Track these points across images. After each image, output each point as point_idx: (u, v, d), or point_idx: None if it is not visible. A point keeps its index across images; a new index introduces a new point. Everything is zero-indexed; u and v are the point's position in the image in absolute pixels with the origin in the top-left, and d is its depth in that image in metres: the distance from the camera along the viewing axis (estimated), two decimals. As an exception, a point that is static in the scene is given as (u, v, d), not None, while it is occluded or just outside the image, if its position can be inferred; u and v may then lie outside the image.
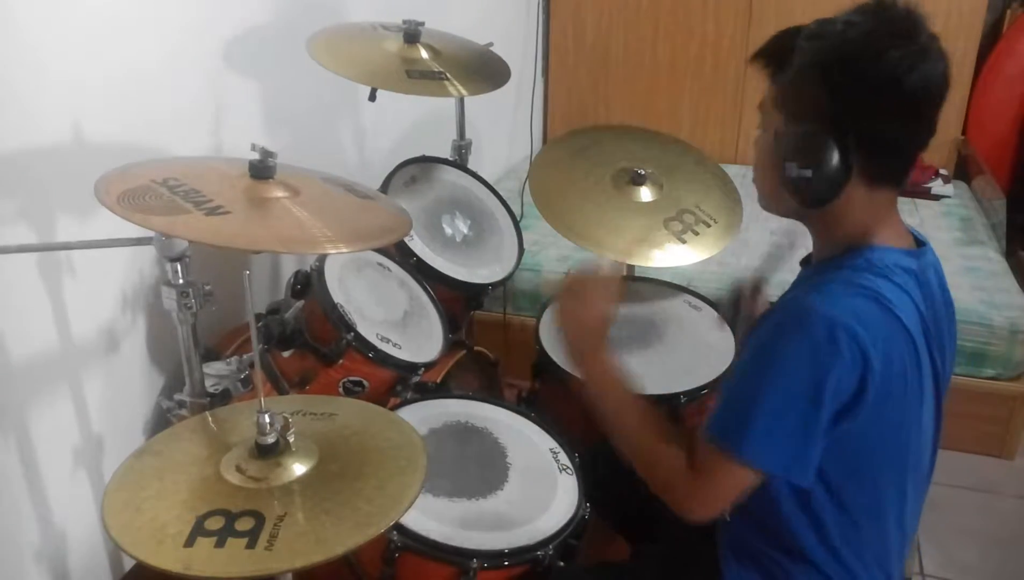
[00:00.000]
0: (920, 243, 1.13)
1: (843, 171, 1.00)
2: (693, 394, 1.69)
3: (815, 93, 0.99)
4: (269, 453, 1.03)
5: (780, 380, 0.98)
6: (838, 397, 0.97)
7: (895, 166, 1.04)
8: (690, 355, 1.79)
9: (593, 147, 2.02)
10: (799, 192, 1.03)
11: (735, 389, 1.04)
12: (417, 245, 1.85)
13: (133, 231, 1.09)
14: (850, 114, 0.98)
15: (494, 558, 1.27)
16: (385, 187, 1.89)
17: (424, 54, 1.79)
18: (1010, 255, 2.82)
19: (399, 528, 1.26)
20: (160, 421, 1.69)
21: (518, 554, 1.29)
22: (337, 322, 1.52)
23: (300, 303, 1.63)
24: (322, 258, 1.59)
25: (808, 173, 1.00)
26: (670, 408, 1.67)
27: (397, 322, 1.69)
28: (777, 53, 1.05)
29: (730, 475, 1.02)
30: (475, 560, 1.25)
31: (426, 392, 1.64)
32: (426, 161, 2.01)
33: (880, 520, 1.10)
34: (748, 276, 1.48)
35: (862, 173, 1.01)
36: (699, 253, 1.88)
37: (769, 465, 1.00)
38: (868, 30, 0.97)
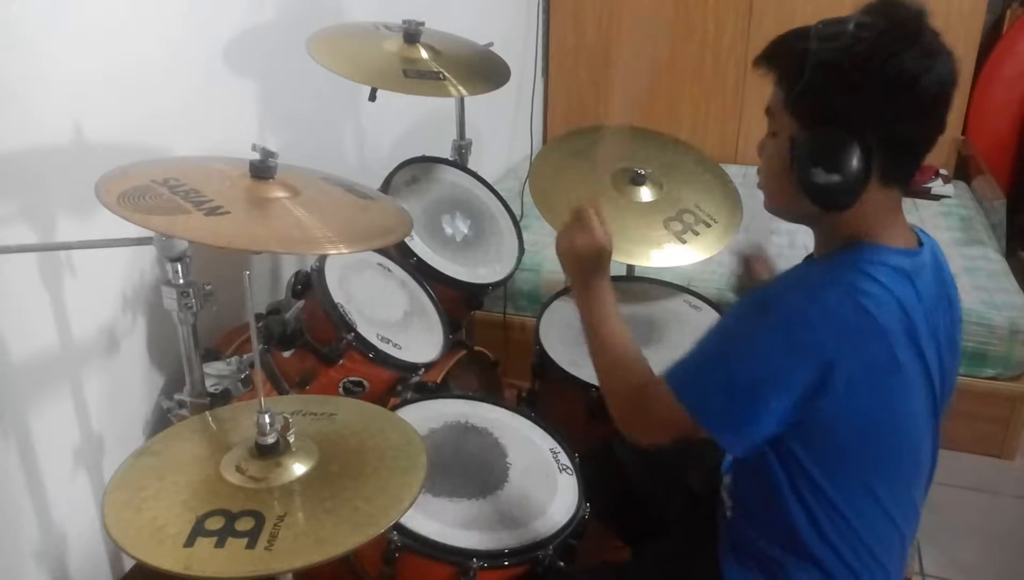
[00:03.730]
0: (921, 243, 1.12)
1: (866, 174, 1.00)
2: (693, 394, 1.68)
3: (833, 96, 0.99)
4: (269, 453, 1.03)
5: (741, 351, 1.03)
6: (794, 383, 0.99)
7: (909, 165, 1.05)
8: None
9: (593, 147, 2.02)
10: (823, 197, 1.03)
11: (703, 344, 1.09)
12: (417, 245, 1.85)
13: (133, 231, 1.09)
14: (871, 116, 0.98)
15: (494, 558, 1.27)
16: (385, 187, 1.89)
17: (424, 54, 1.79)
18: (1010, 255, 2.82)
19: (399, 528, 1.26)
20: (160, 421, 1.69)
21: (518, 554, 1.29)
22: (337, 322, 1.52)
23: (300, 303, 1.63)
24: (322, 258, 1.59)
25: (835, 178, 1.00)
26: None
27: (397, 322, 1.69)
28: (782, 56, 1.05)
29: (670, 410, 1.06)
30: (475, 560, 1.25)
31: (426, 392, 1.64)
32: (426, 161, 2.01)
33: (875, 518, 1.10)
34: (748, 249, 1.53)
35: (879, 174, 1.02)
36: (699, 253, 1.88)
37: (704, 417, 1.05)
38: (882, 30, 0.97)
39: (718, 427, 1.05)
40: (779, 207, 1.13)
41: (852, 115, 0.99)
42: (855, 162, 0.99)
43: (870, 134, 0.99)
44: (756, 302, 1.06)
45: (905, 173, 1.05)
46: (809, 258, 1.18)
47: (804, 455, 1.05)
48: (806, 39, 1.01)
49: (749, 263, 1.51)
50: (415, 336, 1.70)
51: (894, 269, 1.03)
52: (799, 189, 1.04)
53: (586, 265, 1.23)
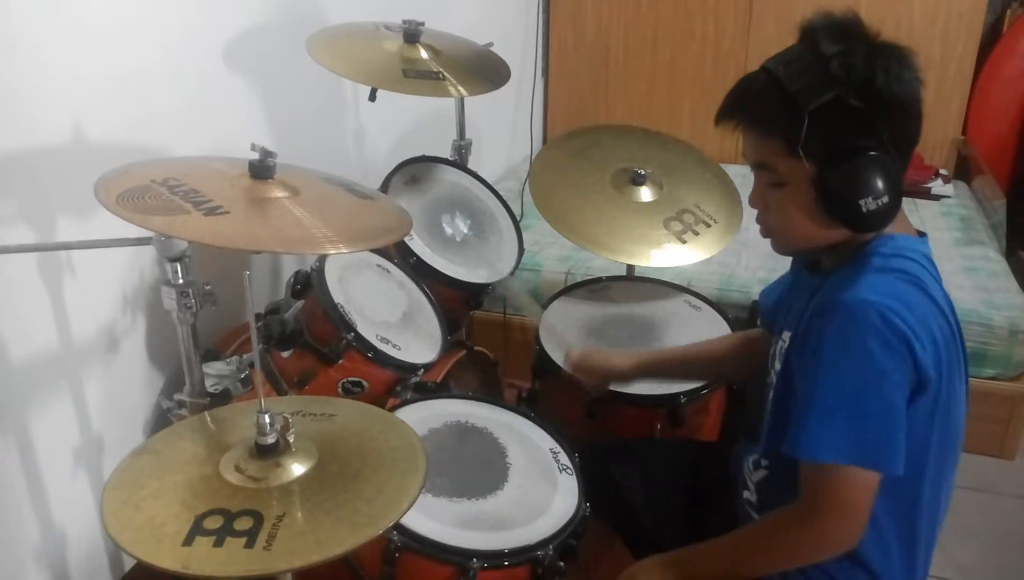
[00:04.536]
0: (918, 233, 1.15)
1: (900, 177, 1.03)
2: (693, 394, 1.69)
3: (844, 128, 1.00)
4: (268, 453, 1.03)
5: (850, 380, 0.98)
6: (905, 380, 0.99)
7: (909, 160, 1.07)
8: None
9: (593, 147, 2.02)
10: (875, 222, 1.03)
11: (808, 403, 1.01)
12: (417, 245, 1.85)
13: (133, 231, 1.09)
14: (882, 131, 1.00)
15: (494, 558, 1.27)
16: (385, 187, 1.89)
17: (424, 54, 1.79)
18: (1010, 255, 2.81)
19: (399, 528, 1.26)
20: (160, 421, 1.69)
21: (518, 554, 1.28)
22: (337, 322, 1.52)
23: (300, 303, 1.63)
24: (322, 258, 1.59)
25: (885, 200, 1.01)
26: (670, 408, 1.67)
27: (397, 322, 1.69)
28: (758, 108, 1.06)
29: (845, 484, 1.00)
30: (475, 560, 1.25)
31: (426, 392, 1.63)
32: (426, 161, 2.01)
33: (928, 507, 1.11)
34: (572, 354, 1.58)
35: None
36: (699, 253, 1.88)
37: (861, 460, 0.99)
38: (851, 48, 1.00)
39: (885, 459, 1.00)
40: (806, 248, 1.13)
41: (867, 137, 1.00)
42: (892, 178, 1.01)
43: (887, 146, 1.01)
44: (828, 328, 1.01)
45: (906, 167, 1.08)
46: (814, 264, 1.18)
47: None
48: (777, 84, 1.02)
49: (584, 364, 1.55)
50: (414, 336, 1.70)
51: (924, 255, 1.07)
52: (835, 224, 1.04)
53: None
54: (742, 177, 2.09)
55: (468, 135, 2.17)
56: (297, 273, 1.63)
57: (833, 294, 1.04)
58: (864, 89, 0.99)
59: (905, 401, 1.00)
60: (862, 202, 1.01)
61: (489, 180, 2.14)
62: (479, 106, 2.18)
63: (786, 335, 1.14)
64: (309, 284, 1.60)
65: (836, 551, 1.05)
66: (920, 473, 1.07)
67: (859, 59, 0.99)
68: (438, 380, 1.74)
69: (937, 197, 3.22)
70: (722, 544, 1.14)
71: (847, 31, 1.02)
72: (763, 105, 1.05)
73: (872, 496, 1.01)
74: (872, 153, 1.00)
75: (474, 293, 1.92)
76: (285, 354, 1.59)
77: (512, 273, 2.01)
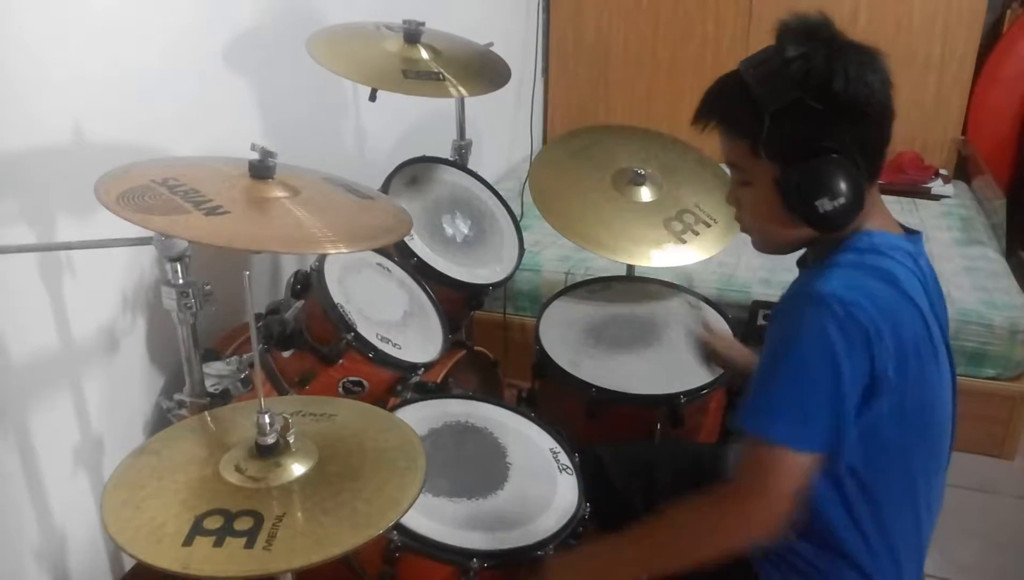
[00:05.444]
0: (908, 231, 1.15)
1: (861, 180, 1.03)
2: (693, 394, 1.69)
3: (804, 130, 1.02)
4: (268, 453, 1.03)
5: (801, 360, 0.99)
6: (858, 374, 0.98)
7: (879, 159, 1.08)
8: (690, 355, 1.79)
9: (593, 147, 2.02)
10: (833, 222, 1.05)
11: (759, 380, 1.03)
12: (417, 245, 1.85)
13: (133, 231, 1.09)
14: (843, 133, 1.02)
15: (494, 558, 1.27)
16: (385, 187, 1.89)
17: (424, 54, 1.79)
18: (1010, 255, 2.81)
19: (399, 528, 1.26)
20: (160, 421, 1.69)
21: (518, 554, 1.29)
22: (337, 322, 1.52)
23: (300, 303, 1.63)
24: (322, 258, 1.59)
25: (841, 201, 1.02)
26: (670, 408, 1.67)
27: (397, 322, 1.69)
28: (728, 110, 1.08)
29: (774, 464, 0.99)
30: (475, 560, 1.25)
31: (426, 392, 1.63)
32: (426, 161, 2.01)
33: (906, 516, 1.11)
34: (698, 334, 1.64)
35: (867, 175, 1.05)
36: (699, 253, 1.88)
37: (801, 442, 0.99)
38: (814, 50, 1.01)
39: (827, 445, 0.99)
40: (777, 245, 1.16)
41: (828, 139, 1.02)
42: (851, 179, 1.02)
43: (849, 148, 1.02)
44: (790, 314, 1.03)
45: (878, 168, 1.08)
46: (803, 260, 1.19)
47: (855, 454, 1.03)
48: (744, 86, 1.04)
49: (708, 345, 1.61)
50: (415, 336, 1.70)
51: (905, 252, 1.07)
52: (799, 223, 1.06)
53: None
54: (742, 177, 2.10)
55: (468, 135, 2.17)
56: (297, 273, 1.63)
57: (802, 285, 1.06)
58: (823, 91, 1.00)
59: (855, 393, 0.99)
60: (818, 203, 1.03)
61: (489, 180, 2.14)
62: (479, 106, 2.18)
63: None
64: (309, 284, 1.60)
65: (757, 534, 1.02)
66: (893, 474, 1.07)
67: (819, 61, 1.01)
68: (438, 380, 1.74)
69: (937, 197, 3.22)
70: (634, 533, 1.11)
71: (813, 32, 1.03)
72: (730, 106, 1.08)
73: (800, 482, 1.00)
74: (831, 155, 1.02)
75: (474, 293, 1.92)
76: (285, 354, 1.59)
77: (512, 273, 2.01)
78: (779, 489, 1.00)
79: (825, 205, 1.02)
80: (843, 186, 1.02)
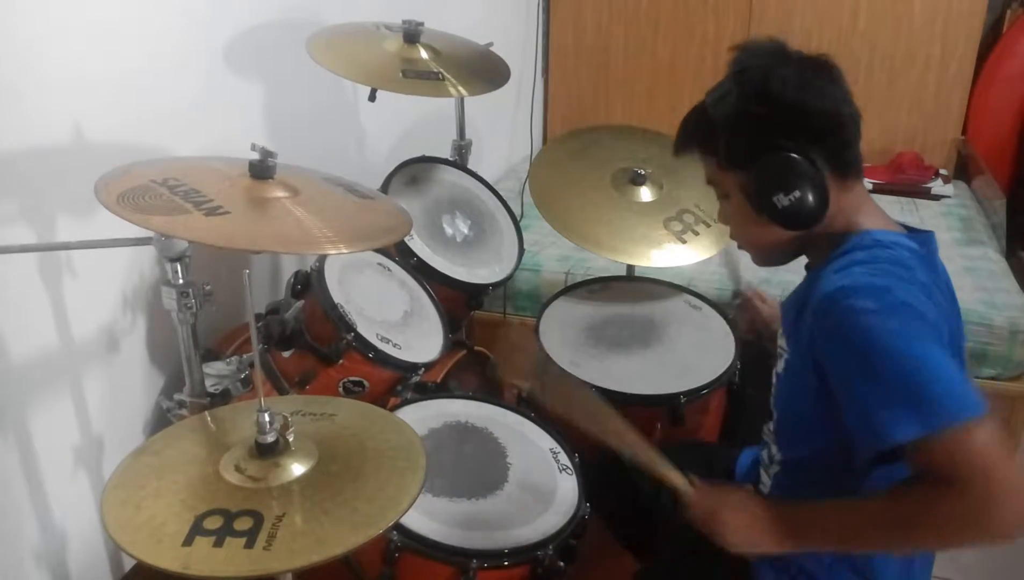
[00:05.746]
0: (918, 231, 1.15)
1: (820, 175, 1.05)
2: (693, 394, 1.69)
3: (754, 135, 1.07)
4: (268, 453, 1.03)
5: (903, 337, 0.94)
6: (938, 322, 0.99)
7: (847, 154, 1.09)
8: (690, 355, 1.79)
9: (593, 147, 2.02)
10: (797, 218, 1.07)
11: (881, 393, 0.94)
12: (417, 245, 1.85)
13: (133, 231, 1.09)
14: (791, 129, 1.06)
15: (494, 558, 1.27)
16: (385, 187, 1.89)
17: (424, 54, 1.79)
18: (1010, 255, 2.81)
19: (399, 528, 1.26)
20: (160, 421, 1.69)
21: (518, 554, 1.29)
22: (337, 322, 1.52)
23: (300, 303, 1.63)
24: (322, 258, 1.59)
25: (797, 193, 1.05)
26: (670, 408, 1.67)
27: (397, 322, 1.69)
28: (695, 134, 1.14)
29: (972, 444, 0.89)
30: (475, 560, 1.25)
31: (426, 392, 1.64)
32: (426, 161, 2.01)
33: None
34: (747, 289, 1.61)
35: (831, 172, 1.07)
36: (699, 253, 1.88)
37: (977, 405, 0.91)
38: (752, 64, 1.07)
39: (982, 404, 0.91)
40: (769, 255, 1.19)
41: (777, 138, 1.06)
42: (802, 170, 1.05)
43: (805, 148, 1.05)
44: (846, 314, 0.97)
45: (849, 161, 1.09)
46: (810, 266, 1.19)
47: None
48: (705, 110, 1.11)
49: (750, 303, 1.60)
50: (415, 336, 1.70)
51: (908, 249, 1.08)
52: (775, 226, 1.09)
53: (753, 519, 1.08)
54: (742, 177, 2.10)
55: (468, 135, 2.17)
56: (297, 273, 1.63)
57: (826, 289, 1.01)
58: (762, 96, 1.05)
59: (945, 344, 0.96)
60: (775, 199, 1.06)
61: (489, 180, 2.14)
62: (479, 106, 2.18)
63: (781, 341, 1.17)
64: (309, 284, 1.60)
65: (1002, 528, 0.89)
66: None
67: (756, 72, 1.06)
68: (438, 380, 1.74)
69: (937, 197, 3.22)
70: (846, 510, 1.02)
71: (759, 51, 1.09)
72: (697, 130, 1.15)
73: (997, 445, 0.89)
74: (780, 153, 1.05)
75: (474, 293, 1.92)
76: (286, 354, 1.59)
77: (512, 273, 2.01)
78: (991, 463, 0.89)
79: (782, 200, 1.06)
80: (796, 181, 1.05)
